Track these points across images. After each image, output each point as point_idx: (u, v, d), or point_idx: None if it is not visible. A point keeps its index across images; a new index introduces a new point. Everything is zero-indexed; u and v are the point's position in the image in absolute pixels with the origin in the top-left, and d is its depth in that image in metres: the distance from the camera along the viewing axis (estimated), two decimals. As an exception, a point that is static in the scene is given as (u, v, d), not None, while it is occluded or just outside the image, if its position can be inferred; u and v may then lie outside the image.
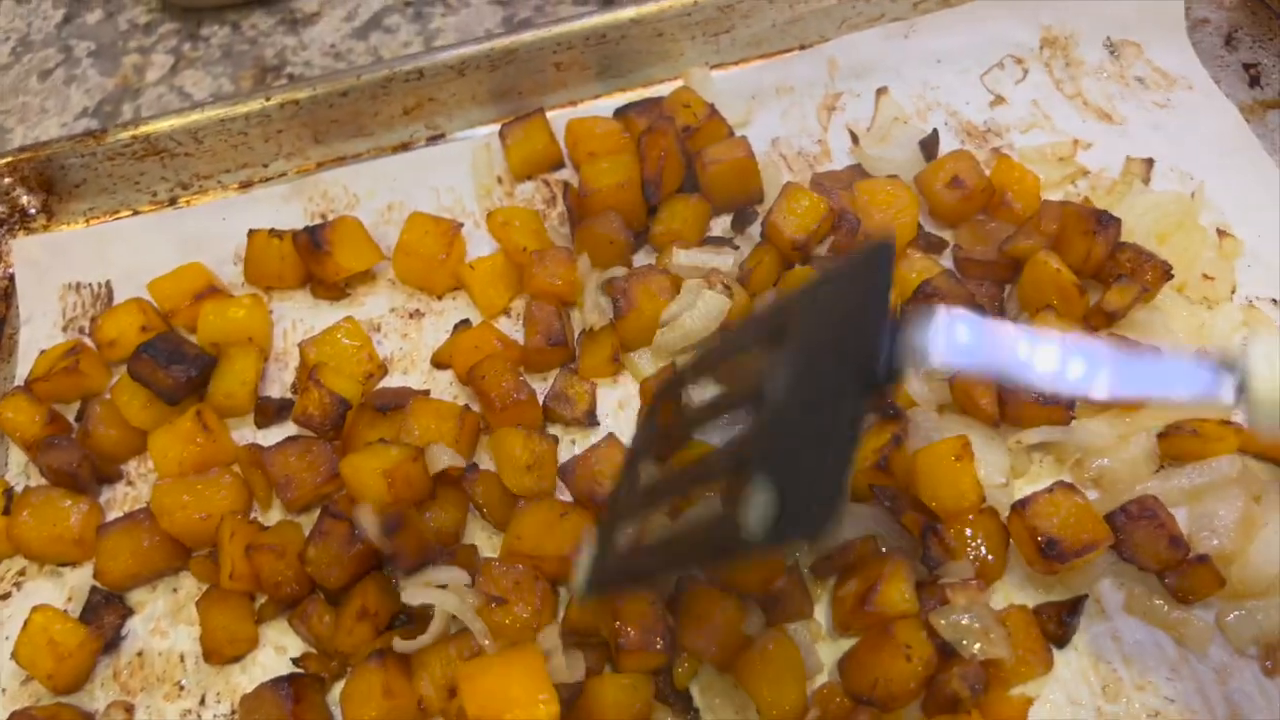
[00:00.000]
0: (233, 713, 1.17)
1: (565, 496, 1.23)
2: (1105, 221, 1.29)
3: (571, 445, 1.29)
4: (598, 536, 1.02)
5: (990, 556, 1.14)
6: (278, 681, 1.12)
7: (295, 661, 1.17)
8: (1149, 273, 1.27)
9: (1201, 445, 1.20)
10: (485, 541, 1.24)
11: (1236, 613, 1.12)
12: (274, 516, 1.28)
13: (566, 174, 1.53)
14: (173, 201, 1.56)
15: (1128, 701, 1.10)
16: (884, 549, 1.15)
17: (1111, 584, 1.16)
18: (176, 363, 1.30)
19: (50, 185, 1.53)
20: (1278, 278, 1.35)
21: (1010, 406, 1.21)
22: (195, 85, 1.72)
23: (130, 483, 1.33)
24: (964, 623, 1.07)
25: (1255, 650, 1.12)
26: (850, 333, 0.90)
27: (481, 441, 1.29)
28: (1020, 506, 1.13)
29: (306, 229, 1.40)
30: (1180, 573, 1.13)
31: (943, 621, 1.07)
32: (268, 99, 1.51)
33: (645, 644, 1.08)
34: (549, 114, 1.55)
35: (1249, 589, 1.13)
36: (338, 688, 1.14)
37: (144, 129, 1.50)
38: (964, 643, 1.06)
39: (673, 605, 1.11)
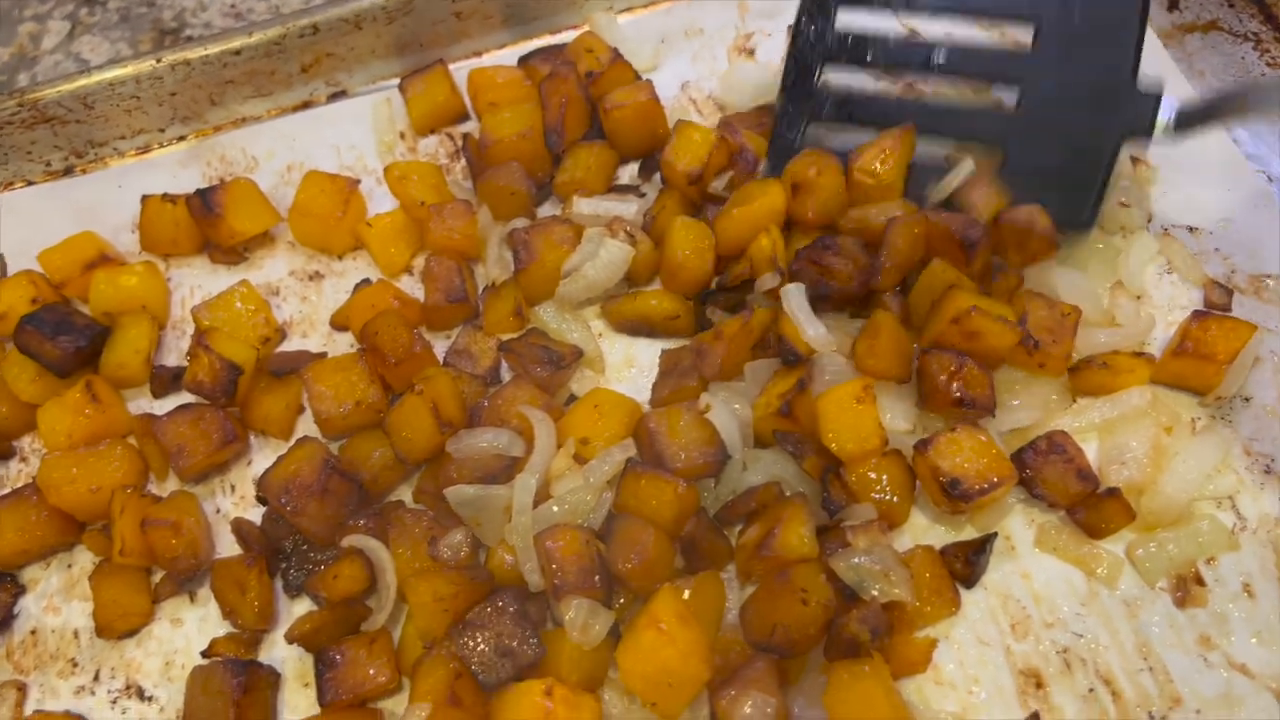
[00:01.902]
0: (127, 687, 1.14)
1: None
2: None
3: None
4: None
5: (894, 498, 1.11)
6: (231, 665, 1.08)
7: (205, 653, 1.13)
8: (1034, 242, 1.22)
9: (1112, 378, 1.18)
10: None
11: (1146, 546, 1.10)
12: (171, 487, 1.24)
13: (471, 126, 1.49)
14: (68, 170, 1.51)
15: (1036, 639, 1.08)
16: (787, 494, 1.13)
17: (1022, 521, 1.14)
18: (64, 333, 1.26)
19: (-62, 158, 1.48)
20: (1192, 205, 1.32)
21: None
22: (93, 51, 1.67)
23: (24, 459, 1.29)
24: (864, 565, 1.04)
25: (1166, 582, 1.09)
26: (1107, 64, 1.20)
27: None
28: (923, 447, 1.10)
29: (198, 192, 1.36)
30: (1090, 507, 1.11)
31: (842, 564, 1.04)
32: (158, 61, 1.46)
33: (583, 583, 1.05)
34: (455, 65, 1.51)
35: (1159, 519, 1.11)
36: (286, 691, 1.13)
37: (30, 96, 1.44)
38: (864, 585, 1.04)
39: (604, 535, 1.09)
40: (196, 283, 1.40)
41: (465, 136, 1.41)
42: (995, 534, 1.12)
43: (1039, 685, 1.06)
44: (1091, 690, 1.05)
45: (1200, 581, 1.09)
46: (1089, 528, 1.11)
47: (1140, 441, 1.15)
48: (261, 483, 1.16)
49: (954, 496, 1.08)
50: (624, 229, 1.28)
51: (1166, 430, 1.16)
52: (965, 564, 1.10)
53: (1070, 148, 1.21)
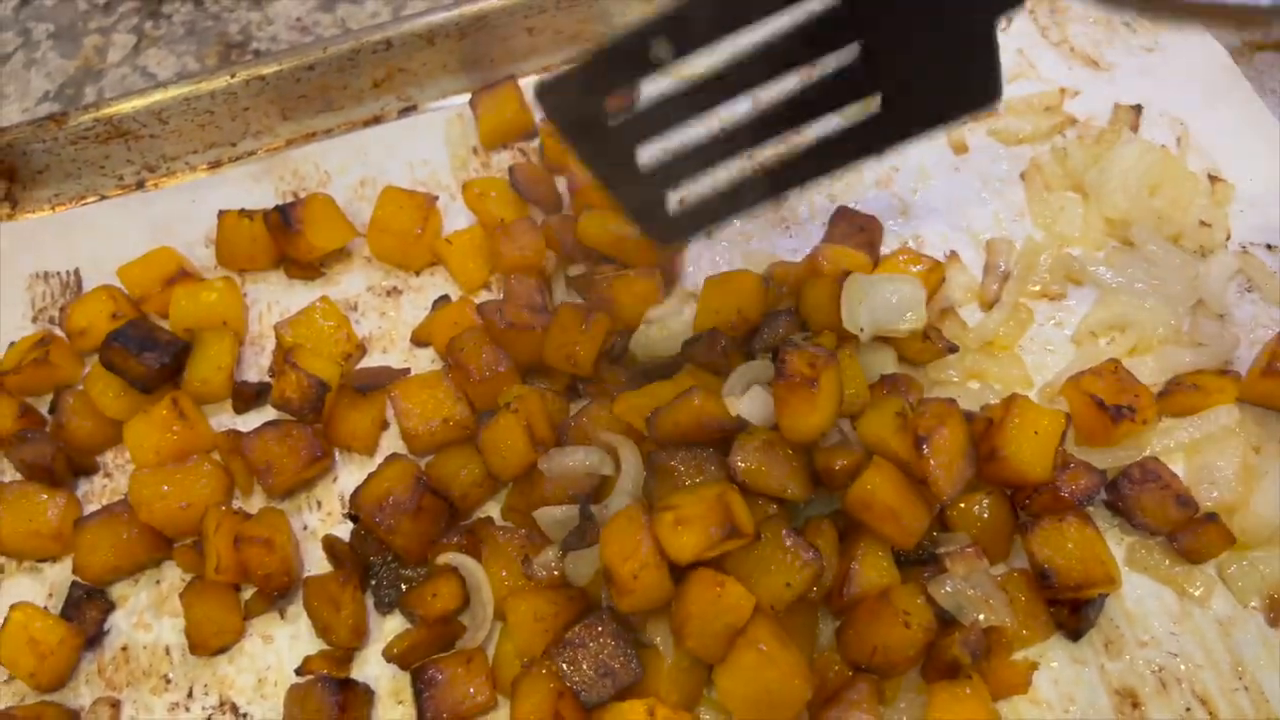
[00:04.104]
0: (221, 704, 1.14)
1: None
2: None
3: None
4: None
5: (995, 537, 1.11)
6: (329, 683, 1.09)
7: (298, 671, 1.13)
8: None
9: (1202, 399, 1.18)
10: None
11: (1239, 564, 1.11)
12: (255, 503, 1.25)
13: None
14: (140, 185, 1.52)
15: (1130, 658, 1.08)
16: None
17: (1112, 540, 1.14)
18: (149, 350, 1.27)
19: (12, 172, 1.48)
20: (1271, 222, 1.32)
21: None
22: (159, 64, 1.67)
23: (108, 475, 1.30)
24: (963, 591, 1.05)
25: (1258, 602, 1.10)
26: None
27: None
28: (1026, 527, 1.09)
29: (277, 208, 1.37)
30: (1190, 532, 1.10)
31: (941, 590, 1.05)
32: (232, 76, 1.47)
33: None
34: (524, 81, 1.51)
35: (1251, 539, 1.11)
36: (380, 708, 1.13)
37: (106, 111, 1.45)
38: (964, 611, 1.04)
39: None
40: (273, 298, 1.40)
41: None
42: (1108, 594, 1.09)
43: (1135, 705, 1.06)
44: (1189, 710, 1.05)
45: (1293, 601, 1.10)
46: (1189, 553, 1.11)
47: (1228, 461, 1.15)
48: (354, 501, 1.16)
49: (1044, 587, 1.07)
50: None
51: (1255, 450, 1.16)
52: (1073, 615, 1.08)
53: (953, 41, 1.01)
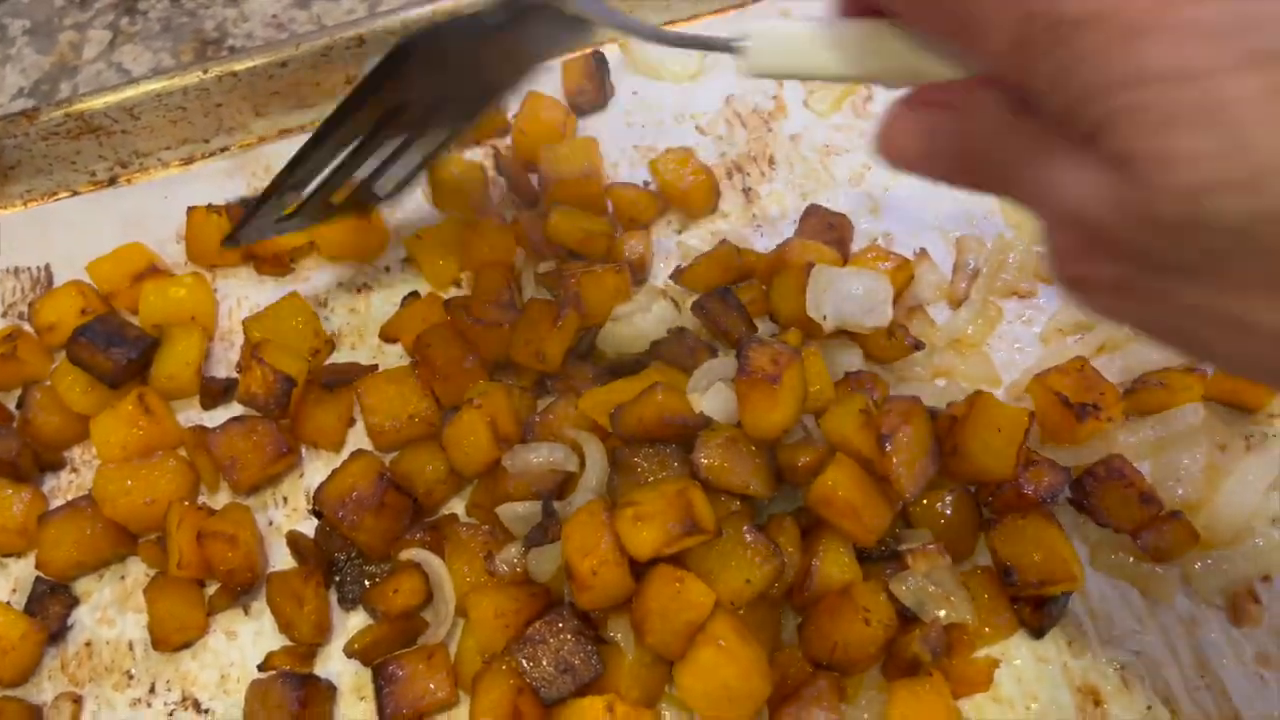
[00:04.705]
0: (183, 700, 1.14)
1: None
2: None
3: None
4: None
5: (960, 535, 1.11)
6: (290, 679, 1.08)
7: (261, 667, 1.13)
8: None
9: (1168, 396, 1.17)
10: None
11: (1203, 563, 1.10)
12: (221, 499, 1.25)
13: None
14: (112, 181, 1.52)
15: (1094, 656, 1.08)
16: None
17: (1076, 538, 1.14)
18: (116, 345, 1.26)
19: (-16, 168, 1.48)
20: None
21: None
22: (135, 61, 1.67)
23: (74, 470, 1.30)
24: (924, 588, 1.05)
25: (1222, 600, 1.10)
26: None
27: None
28: (988, 525, 1.10)
29: (243, 202, 1.36)
30: (1154, 530, 1.10)
31: (903, 587, 1.04)
32: (205, 72, 1.46)
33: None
34: (498, 78, 1.51)
35: (1215, 538, 1.11)
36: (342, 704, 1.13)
37: (78, 106, 1.45)
38: (925, 607, 1.04)
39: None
40: (243, 294, 1.40)
41: (495, 150, 1.42)
42: (1072, 593, 1.09)
43: (1097, 703, 1.06)
44: (1150, 708, 1.05)
45: (1256, 599, 1.09)
46: (1153, 551, 1.10)
47: (1193, 459, 1.15)
48: (318, 497, 1.16)
49: (1006, 584, 1.07)
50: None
51: (1221, 448, 1.16)
52: (1035, 613, 1.08)
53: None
